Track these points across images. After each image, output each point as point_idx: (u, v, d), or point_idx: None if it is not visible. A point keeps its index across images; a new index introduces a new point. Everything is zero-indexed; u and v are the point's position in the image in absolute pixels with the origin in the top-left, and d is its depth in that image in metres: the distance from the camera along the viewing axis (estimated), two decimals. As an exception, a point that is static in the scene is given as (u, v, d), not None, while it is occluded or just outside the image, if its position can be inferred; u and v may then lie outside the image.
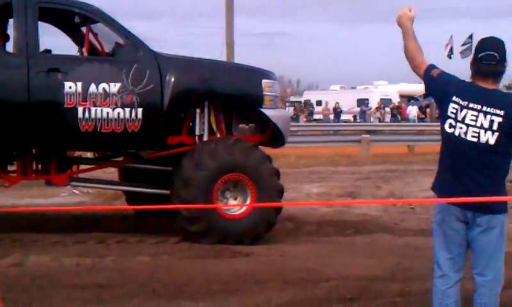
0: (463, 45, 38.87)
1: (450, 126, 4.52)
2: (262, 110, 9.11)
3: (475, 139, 4.44)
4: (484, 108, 4.43)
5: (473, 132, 4.44)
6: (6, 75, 8.18)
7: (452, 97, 4.52)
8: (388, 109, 45.07)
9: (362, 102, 46.71)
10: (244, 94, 9.21)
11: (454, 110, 4.50)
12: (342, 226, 10.17)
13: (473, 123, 4.44)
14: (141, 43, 8.74)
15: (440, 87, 4.67)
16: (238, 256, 8.06)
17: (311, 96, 56.28)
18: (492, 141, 4.40)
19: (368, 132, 25.49)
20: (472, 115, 4.45)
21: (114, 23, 8.79)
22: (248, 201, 8.70)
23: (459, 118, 4.48)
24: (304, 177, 16.44)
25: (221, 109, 9.26)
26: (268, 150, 9.56)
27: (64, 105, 8.22)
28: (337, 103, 44.73)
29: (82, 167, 9.64)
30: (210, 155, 8.60)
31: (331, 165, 19.51)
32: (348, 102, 46.99)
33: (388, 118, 43.26)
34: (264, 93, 9.13)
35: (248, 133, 9.38)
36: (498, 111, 4.40)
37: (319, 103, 50.44)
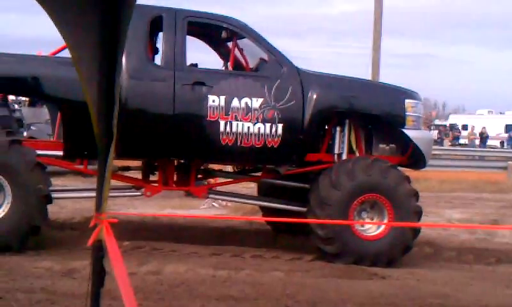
0: None
1: None
2: (404, 130, 8.95)
3: None
4: None
5: None
6: (154, 87, 8.38)
7: None
8: (538, 136, 43.39)
9: (511, 128, 45.16)
10: (385, 113, 9.07)
11: None
12: (483, 254, 9.84)
13: None
14: (285, 59, 8.79)
15: None
16: (373, 277, 7.93)
17: (457, 119, 55.13)
18: None
19: (515, 158, 24.62)
20: None
21: (260, 39, 8.86)
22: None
23: None
24: (446, 202, 16.02)
25: (362, 128, 9.18)
26: (409, 173, 9.33)
27: (207, 118, 8.37)
28: (484, 128, 43.38)
29: (222, 180, 9.79)
30: (347, 175, 8.50)
31: (474, 191, 18.98)
32: (495, 127, 45.60)
33: (537, 145, 41.66)
34: (407, 113, 8.97)
35: (388, 154, 9.21)
36: None
37: (464, 127, 49.22)
